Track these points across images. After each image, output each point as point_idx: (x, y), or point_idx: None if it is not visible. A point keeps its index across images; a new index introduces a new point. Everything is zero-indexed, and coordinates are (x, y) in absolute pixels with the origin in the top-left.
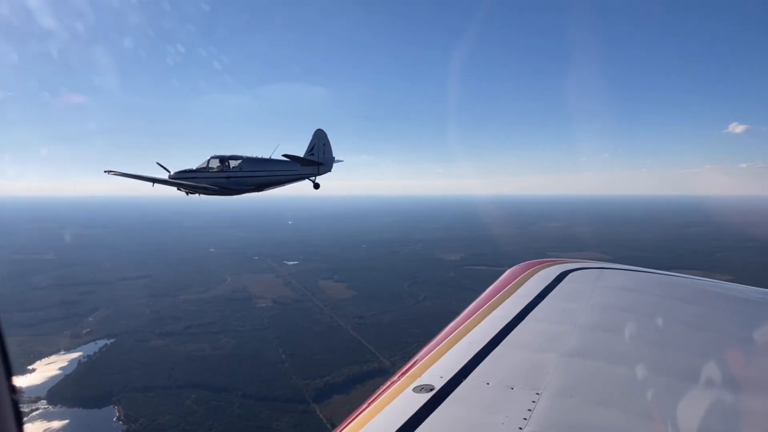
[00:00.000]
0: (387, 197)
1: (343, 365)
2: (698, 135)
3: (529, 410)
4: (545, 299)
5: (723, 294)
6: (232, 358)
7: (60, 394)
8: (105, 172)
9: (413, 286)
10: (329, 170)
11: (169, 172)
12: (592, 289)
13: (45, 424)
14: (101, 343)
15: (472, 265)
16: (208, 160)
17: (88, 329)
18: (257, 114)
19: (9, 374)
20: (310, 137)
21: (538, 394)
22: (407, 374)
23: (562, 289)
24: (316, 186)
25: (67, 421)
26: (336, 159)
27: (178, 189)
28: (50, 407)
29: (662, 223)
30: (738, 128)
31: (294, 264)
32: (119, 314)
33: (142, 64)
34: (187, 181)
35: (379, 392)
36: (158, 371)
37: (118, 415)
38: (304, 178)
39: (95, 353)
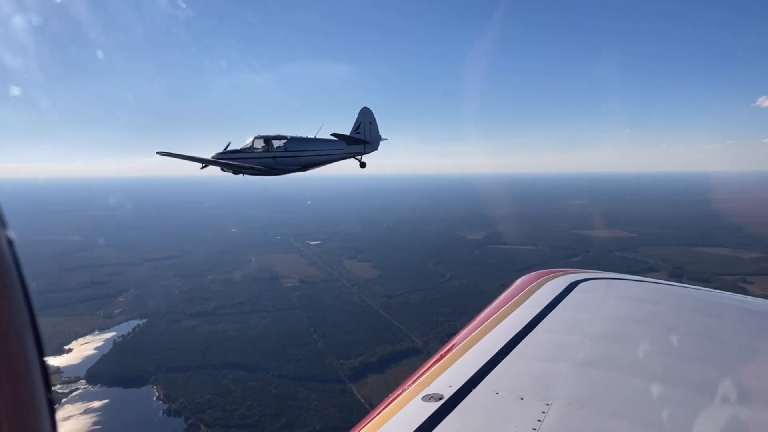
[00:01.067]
0: (404, 176)
1: (376, 345)
2: (725, 110)
3: (539, 420)
4: (555, 309)
5: (734, 306)
6: (265, 338)
7: (98, 374)
8: (157, 153)
9: (438, 265)
10: (376, 149)
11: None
12: (602, 300)
13: (85, 405)
14: (134, 323)
15: (496, 244)
16: (253, 140)
17: (119, 309)
18: (279, 93)
19: (44, 368)
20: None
21: (548, 404)
22: (416, 383)
23: (572, 299)
24: (363, 165)
25: (107, 401)
26: (382, 137)
27: (222, 170)
28: (89, 387)
29: (685, 200)
30: (767, 102)
31: (317, 244)
32: (149, 295)
33: (160, 46)
34: (234, 161)
35: (388, 400)
36: (193, 351)
37: (157, 394)
38: (350, 157)
39: (129, 333)
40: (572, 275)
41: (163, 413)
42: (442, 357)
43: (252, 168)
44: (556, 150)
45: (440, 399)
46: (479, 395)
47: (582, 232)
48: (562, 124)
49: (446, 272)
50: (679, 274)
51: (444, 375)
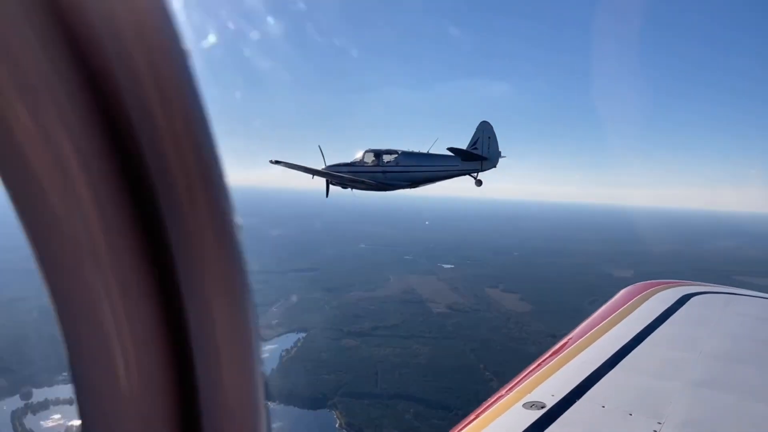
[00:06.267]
0: (515, 201)
1: None
2: None
3: None
4: (665, 323)
5: None
6: (433, 369)
7: (273, 389)
8: (271, 162)
9: (594, 304)
10: (494, 166)
11: (323, 158)
12: (720, 316)
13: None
14: (293, 336)
15: None
16: (363, 154)
17: (276, 320)
18: (430, 109)
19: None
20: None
21: (660, 423)
22: (516, 389)
23: (685, 313)
24: (479, 183)
25: (284, 422)
26: (501, 154)
27: (331, 183)
28: (267, 403)
29: None
30: None
31: (450, 267)
32: (301, 307)
33: (308, 55)
34: (344, 174)
35: (486, 405)
36: (363, 376)
37: (338, 421)
38: (464, 174)
39: (292, 347)
40: (684, 287)
41: None
42: (542, 364)
43: (363, 182)
44: (700, 185)
45: (542, 407)
46: (584, 407)
47: (747, 279)
48: (713, 153)
49: None
50: None
51: (546, 383)
